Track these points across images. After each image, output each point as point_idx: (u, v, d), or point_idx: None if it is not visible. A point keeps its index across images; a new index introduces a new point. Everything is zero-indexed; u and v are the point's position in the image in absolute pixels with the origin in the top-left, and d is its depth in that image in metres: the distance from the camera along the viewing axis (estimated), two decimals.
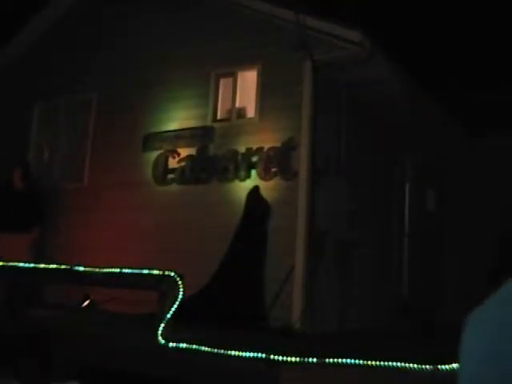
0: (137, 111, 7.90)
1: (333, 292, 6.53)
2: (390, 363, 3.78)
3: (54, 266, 5.61)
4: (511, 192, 9.12)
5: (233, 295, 6.12)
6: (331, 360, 3.85)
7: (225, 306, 6.01)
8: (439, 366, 3.73)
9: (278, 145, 6.67)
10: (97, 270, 5.25)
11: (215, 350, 4.13)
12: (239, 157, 6.90)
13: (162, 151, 7.53)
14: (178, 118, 7.56)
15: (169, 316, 4.52)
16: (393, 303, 7.81)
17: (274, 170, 6.66)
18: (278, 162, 6.63)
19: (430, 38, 11.21)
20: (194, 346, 4.26)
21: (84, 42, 8.66)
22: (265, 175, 6.69)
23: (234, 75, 7.31)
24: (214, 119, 7.35)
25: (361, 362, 3.82)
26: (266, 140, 6.77)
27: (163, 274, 4.69)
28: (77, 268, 5.38)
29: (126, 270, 5.00)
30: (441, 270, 9.17)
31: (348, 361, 3.83)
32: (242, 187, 6.81)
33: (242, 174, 6.85)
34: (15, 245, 6.96)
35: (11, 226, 7.15)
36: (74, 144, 8.70)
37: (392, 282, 8.14)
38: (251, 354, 3.98)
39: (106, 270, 5.17)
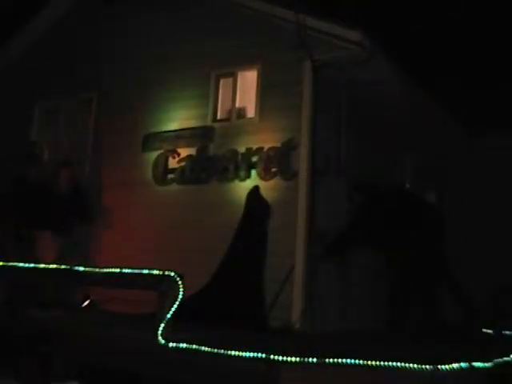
0: (137, 111, 7.90)
1: (333, 292, 6.53)
2: (390, 363, 3.79)
3: (54, 266, 5.61)
4: (511, 192, 9.13)
5: (233, 295, 6.12)
6: (331, 360, 3.85)
7: (225, 305, 6.01)
8: (439, 366, 3.73)
9: (278, 145, 6.67)
10: (97, 270, 5.26)
11: (215, 350, 4.13)
12: (239, 157, 6.90)
13: (161, 151, 7.53)
14: (178, 118, 7.56)
15: (169, 316, 4.52)
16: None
17: (274, 170, 6.66)
18: (278, 162, 6.63)
19: (430, 38, 11.21)
20: (194, 346, 4.26)
21: (84, 42, 8.66)
22: (265, 175, 6.69)
23: (234, 75, 7.31)
24: (214, 119, 7.34)
25: (361, 361, 3.82)
26: (266, 140, 6.77)
27: (163, 274, 4.69)
28: (77, 268, 5.38)
29: (126, 270, 5.00)
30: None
31: (348, 361, 3.83)
32: (242, 187, 6.80)
33: (242, 173, 6.84)
34: (53, 246, 6.76)
35: (51, 226, 6.89)
36: (74, 144, 8.70)
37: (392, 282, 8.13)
38: (251, 354, 3.98)
39: (105, 270, 5.17)
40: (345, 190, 6.78)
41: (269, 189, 6.62)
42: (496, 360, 4.17)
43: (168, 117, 7.64)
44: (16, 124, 9.08)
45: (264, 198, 6.60)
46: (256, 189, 6.65)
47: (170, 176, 7.43)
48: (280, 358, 3.87)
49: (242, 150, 6.90)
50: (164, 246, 7.09)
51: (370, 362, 3.81)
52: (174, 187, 7.40)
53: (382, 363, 3.79)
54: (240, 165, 6.87)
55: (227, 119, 7.32)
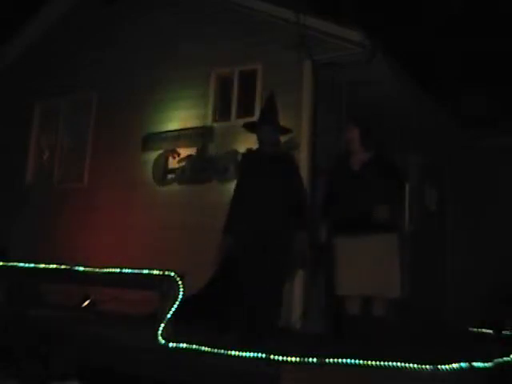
0: (137, 111, 7.89)
1: (333, 292, 6.51)
2: (390, 363, 3.78)
3: (54, 266, 5.61)
4: (511, 192, 9.12)
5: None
6: (331, 360, 3.84)
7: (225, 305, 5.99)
8: (439, 366, 3.73)
9: None
10: (97, 270, 5.26)
11: (215, 350, 4.13)
12: (239, 157, 6.89)
13: (161, 151, 7.53)
14: (178, 118, 7.55)
15: (169, 316, 4.52)
16: (393, 303, 7.79)
17: None
18: None
19: (431, 38, 11.21)
20: (194, 346, 4.26)
21: (84, 42, 8.65)
22: None
23: (233, 75, 7.31)
24: (214, 119, 7.34)
25: (361, 362, 3.82)
26: None
27: (163, 274, 4.69)
28: (77, 268, 5.38)
29: (126, 270, 5.01)
30: (442, 270, 9.16)
31: (348, 361, 3.83)
32: None
33: None
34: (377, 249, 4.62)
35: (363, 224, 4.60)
36: (74, 144, 8.70)
37: None
38: (251, 354, 3.98)
39: (106, 270, 5.17)
40: None
41: None
42: (496, 360, 4.17)
43: (168, 117, 7.63)
44: (16, 124, 9.08)
45: None
46: None
47: (170, 176, 7.42)
48: (280, 358, 3.87)
49: (241, 149, 6.89)
50: (164, 245, 7.08)
51: (369, 362, 3.81)
52: (174, 187, 7.39)
53: (382, 363, 3.79)
54: None
55: (227, 119, 7.32)
